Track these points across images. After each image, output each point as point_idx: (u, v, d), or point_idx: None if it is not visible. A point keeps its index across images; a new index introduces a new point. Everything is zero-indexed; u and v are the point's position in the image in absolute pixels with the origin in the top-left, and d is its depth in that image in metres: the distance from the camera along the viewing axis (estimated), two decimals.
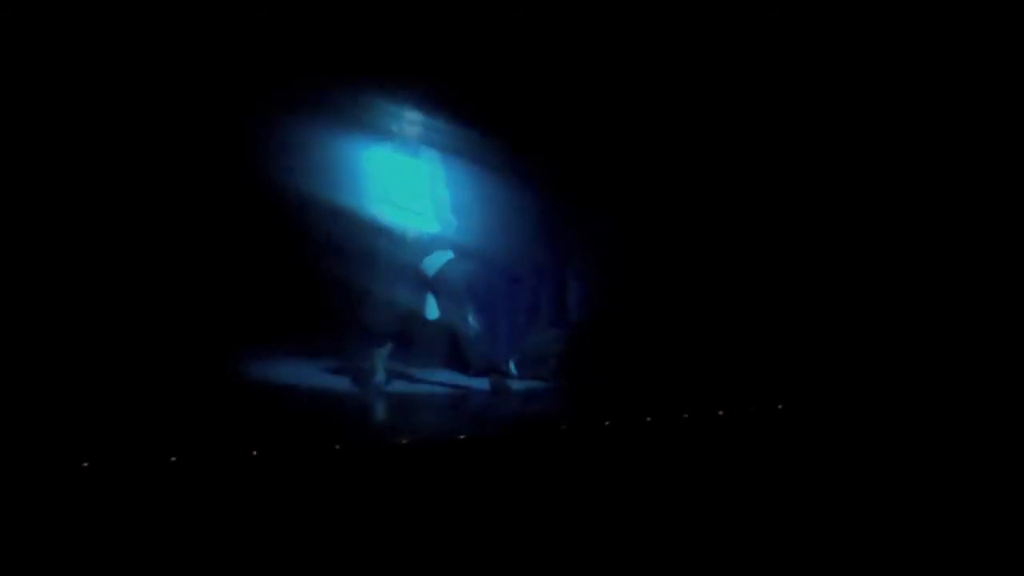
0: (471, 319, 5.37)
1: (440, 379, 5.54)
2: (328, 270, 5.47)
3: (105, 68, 5.25)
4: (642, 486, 3.87)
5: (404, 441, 4.26)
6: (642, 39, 5.69)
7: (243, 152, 5.52)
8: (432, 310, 5.37)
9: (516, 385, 5.43)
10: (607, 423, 4.54)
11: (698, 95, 5.74)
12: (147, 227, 5.49)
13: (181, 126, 5.45)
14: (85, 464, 3.69)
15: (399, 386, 5.38)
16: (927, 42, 5.57)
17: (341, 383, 5.38)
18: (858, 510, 3.67)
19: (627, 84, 5.70)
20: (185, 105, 5.43)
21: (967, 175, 5.61)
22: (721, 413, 4.68)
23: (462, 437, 4.32)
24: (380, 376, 5.33)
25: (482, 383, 5.41)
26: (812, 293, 5.69)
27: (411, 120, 5.27)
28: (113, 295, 5.33)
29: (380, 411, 5.19)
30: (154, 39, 5.30)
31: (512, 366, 5.54)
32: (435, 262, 5.33)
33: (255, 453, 3.91)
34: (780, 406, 4.78)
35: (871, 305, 5.63)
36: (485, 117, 5.47)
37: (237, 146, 5.51)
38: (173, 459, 3.79)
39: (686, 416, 4.65)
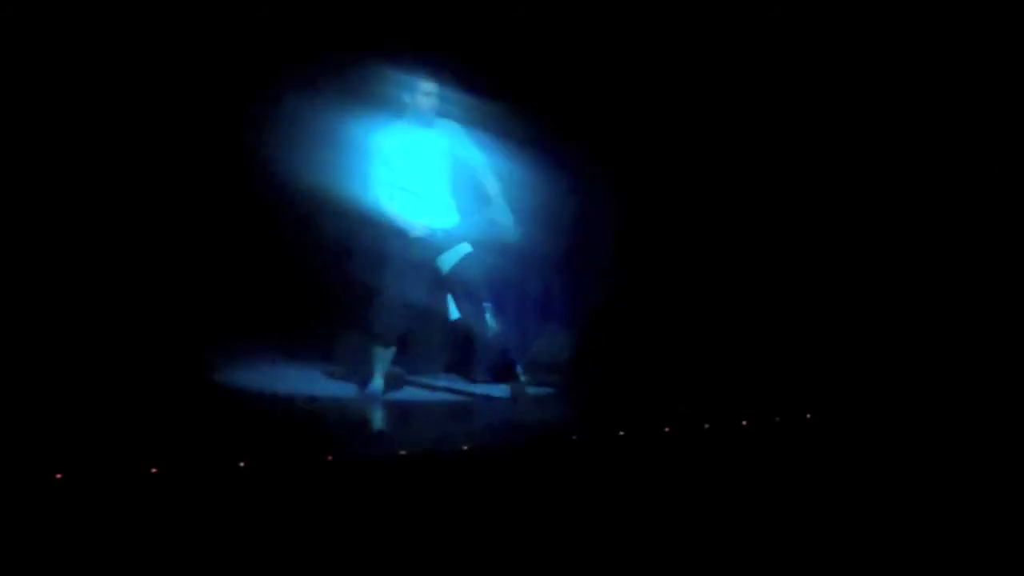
0: (489, 320, 5.15)
1: (445, 385, 5.47)
2: (330, 265, 5.37)
3: (88, 34, 5.13)
4: (659, 502, 3.76)
5: (403, 452, 4.17)
6: (658, 34, 5.71)
7: (234, 137, 5.36)
8: (451, 310, 5.17)
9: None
10: (622, 433, 4.45)
11: (728, 94, 5.77)
12: (132, 219, 5.36)
13: (163, 107, 5.34)
14: (58, 476, 3.57)
15: (400, 393, 5.29)
16: (927, 42, 5.60)
17: (338, 389, 5.30)
18: (891, 525, 3.59)
19: (662, 76, 5.74)
20: (168, 86, 5.32)
21: (970, 175, 5.67)
22: (745, 423, 4.60)
23: (465, 448, 4.23)
24: (380, 382, 5.14)
25: (492, 389, 5.28)
26: (843, 299, 5.68)
27: (425, 91, 4.93)
28: (93, 291, 5.24)
29: (378, 420, 5.07)
30: (151, 10, 5.20)
31: (520, 371, 5.32)
32: (451, 257, 5.08)
33: (242, 464, 3.81)
34: (808, 416, 4.72)
35: (904, 314, 5.61)
36: (509, 92, 5.34)
37: (228, 131, 5.36)
38: (154, 471, 3.71)
39: (707, 426, 4.57)
